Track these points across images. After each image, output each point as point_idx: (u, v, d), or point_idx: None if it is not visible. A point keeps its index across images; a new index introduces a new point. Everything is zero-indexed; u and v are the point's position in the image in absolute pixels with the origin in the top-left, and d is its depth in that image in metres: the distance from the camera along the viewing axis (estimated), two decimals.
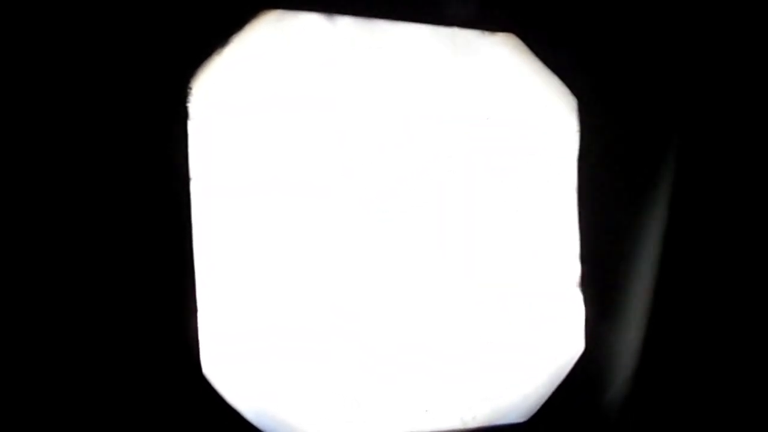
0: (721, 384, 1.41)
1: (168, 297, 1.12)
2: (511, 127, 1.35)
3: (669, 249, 1.41)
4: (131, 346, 1.09)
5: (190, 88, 1.14)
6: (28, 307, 1.05)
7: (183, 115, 1.13)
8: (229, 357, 1.15)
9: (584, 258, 1.40)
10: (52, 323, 1.05)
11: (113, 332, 1.08)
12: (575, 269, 1.40)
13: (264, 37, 1.18)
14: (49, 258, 1.06)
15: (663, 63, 1.42)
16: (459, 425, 1.29)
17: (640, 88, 1.42)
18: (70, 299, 1.06)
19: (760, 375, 1.42)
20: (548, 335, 1.37)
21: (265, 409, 1.17)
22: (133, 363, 1.09)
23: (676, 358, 1.40)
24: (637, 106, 1.42)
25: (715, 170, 1.43)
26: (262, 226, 1.18)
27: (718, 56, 1.44)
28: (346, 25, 1.22)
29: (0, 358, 1.03)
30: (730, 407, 1.40)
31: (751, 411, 1.40)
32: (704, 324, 1.41)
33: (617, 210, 1.42)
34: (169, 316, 1.12)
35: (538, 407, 1.34)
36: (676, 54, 1.43)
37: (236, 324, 1.16)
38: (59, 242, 1.06)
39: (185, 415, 1.12)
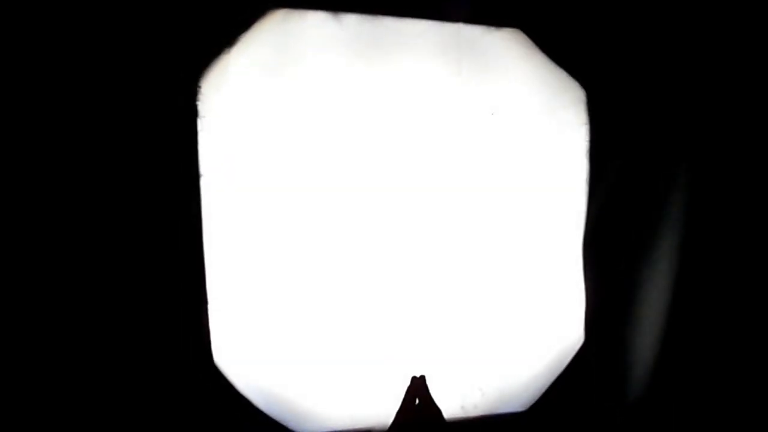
0: (722, 376, 1.43)
1: (179, 290, 1.16)
2: (518, 122, 1.35)
3: (674, 243, 1.42)
4: (145, 338, 1.14)
5: (200, 87, 1.16)
6: (46, 302, 1.09)
7: (193, 113, 1.16)
8: (239, 347, 1.19)
9: (588, 250, 1.41)
10: (69, 318, 1.10)
11: (127, 325, 1.13)
12: (578, 261, 1.41)
13: (271, 35, 1.19)
14: (63, 254, 1.10)
15: (671, 52, 1.41)
16: (460, 414, 1.32)
17: (649, 79, 1.41)
18: (84, 294, 1.11)
19: (759, 368, 1.43)
20: (549, 326, 1.39)
21: (273, 397, 1.22)
22: (147, 354, 1.14)
23: (677, 351, 1.41)
24: (646, 97, 1.41)
25: (724, 163, 1.43)
26: (270, 221, 1.21)
27: (726, 47, 1.42)
28: (352, 22, 1.23)
29: (16, 346, 1.08)
30: (730, 400, 1.42)
31: (750, 401, 1.42)
32: (705, 317, 1.42)
33: (625, 202, 1.42)
34: (181, 309, 1.16)
35: (538, 397, 1.37)
36: (685, 43, 1.41)
37: (246, 315, 1.20)
38: (73, 239, 1.10)
39: (198, 403, 1.16)
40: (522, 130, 1.36)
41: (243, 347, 1.19)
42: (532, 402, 1.37)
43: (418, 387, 1.11)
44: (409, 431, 1.06)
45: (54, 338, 1.10)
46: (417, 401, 1.10)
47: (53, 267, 1.10)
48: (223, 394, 1.18)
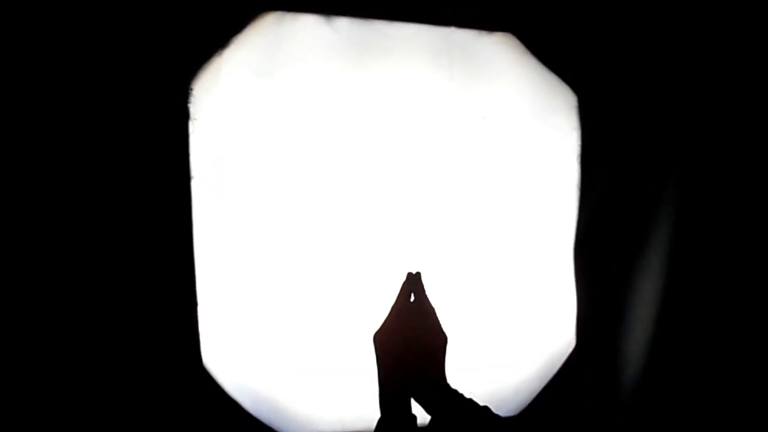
0: (715, 379, 1.43)
1: (169, 292, 1.16)
2: (509, 126, 1.35)
3: (666, 248, 1.42)
4: (134, 339, 1.14)
5: (191, 89, 1.17)
6: (34, 303, 1.09)
7: (184, 115, 1.16)
8: (228, 349, 1.20)
9: (579, 255, 1.41)
10: (57, 320, 1.10)
11: (116, 327, 1.13)
12: (569, 266, 1.41)
13: (263, 38, 1.19)
14: (53, 255, 1.10)
15: (664, 57, 1.41)
16: None
17: (641, 84, 1.41)
18: (72, 295, 1.11)
19: (753, 370, 1.43)
20: (540, 330, 1.39)
21: (262, 399, 1.22)
22: (135, 355, 1.14)
23: (668, 355, 1.41)
24: (638, 102, 1.42)
25: (716, 168, 1.43)
26: (261, 224, 1.21)
27: (718, 52, 1.42)
28: (344, 26, 1.23)
29: (5, 349, 1.08)
30: (723, 403, 1.42)
31: (744, 405, 1.42)
32: (697, 321, 1.42)
33: (616, 207, 1.42)
34: (171, 311, 1.16)
35: (528, 402, 1.37)
36: (677, 49, 1.41)
37: (235, 317, 1.20)
38: (62, 241, 1.10)
39: (186, 404, 1.17)
40: (513, 135, 1.36)
41: (232, 349, 1.19)
42: (523, 407, 1.37)
43: (413, 283, 1.06)
44: (402, 328, 1.00)
45: (41, 339, 1.09)
46: (412, 298, 1.05)
47: (42, 268, 1.10)
48: (212, 396, 1.17)
